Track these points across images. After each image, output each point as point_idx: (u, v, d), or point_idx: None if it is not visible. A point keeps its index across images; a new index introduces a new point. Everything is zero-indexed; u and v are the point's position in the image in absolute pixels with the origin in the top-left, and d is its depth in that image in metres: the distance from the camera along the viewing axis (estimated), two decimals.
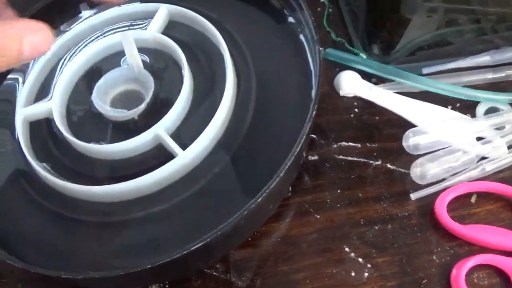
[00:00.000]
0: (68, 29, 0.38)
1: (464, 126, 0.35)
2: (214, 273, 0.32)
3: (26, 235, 0.32)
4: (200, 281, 0.32)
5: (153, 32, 0.35)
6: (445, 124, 0.35)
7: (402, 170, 0.35)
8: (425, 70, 0.37)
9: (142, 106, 0.33)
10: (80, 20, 0.38)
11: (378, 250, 0.32)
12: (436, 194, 0.33)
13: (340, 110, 0.38)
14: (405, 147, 0.34)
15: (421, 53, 0.38)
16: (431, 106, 0.37)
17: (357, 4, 0.39)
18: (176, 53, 0.34)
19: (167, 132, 0.32)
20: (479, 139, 0.35)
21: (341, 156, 0.36)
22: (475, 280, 0.31)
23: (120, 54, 0.35)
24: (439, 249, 0.32)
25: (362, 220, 0.33)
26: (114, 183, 0.30)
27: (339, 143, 0.36)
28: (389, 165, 0.35)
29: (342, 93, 0.38)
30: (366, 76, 0.38)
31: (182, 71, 0.33)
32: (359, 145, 0.36)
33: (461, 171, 0.34)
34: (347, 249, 0.33)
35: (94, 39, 0.37)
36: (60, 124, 0.33)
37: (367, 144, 0.36)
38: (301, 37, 0.35)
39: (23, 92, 0.35)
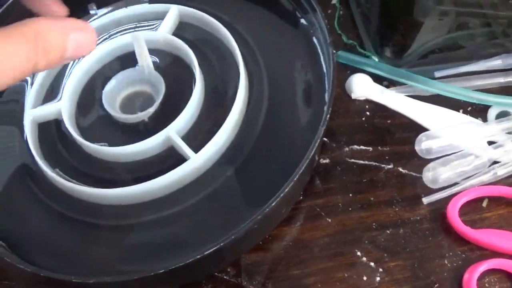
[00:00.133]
0: None
1: (475, 130, 0.35)
2: (225, 277, 0.32)
3: (33, 236, 0.32)
4: (211, 284, 0.32)
5: (163, 33, 0.35)
6: (456, 128, 0.35)
7: (414, 174, 0.35)
8: (438, 74, 0.37)
9: (153, 108, 0.33)
10: (89, 20, 0.38)
11: (390, 254, 0.32)
12: (448, 198, 0.33)
13: (352, 113, 0.37)
14: (417, 151, 0.34)
15: (432, 56, 0.37)
16: (442, 109, 0.37)
17: (369, 6, 0.39)
18: (187, 55, 0.34)
19: (178, 135, 0.31)
20: (490, 143, 0.35)
21: (352, 160, 0.36)
22: (487, 285, 0.31)
23: (131, 55, 0.35)
24: (451, 253, 0.32)
25: (374, 224, 0.33)
26: (124, 185, 0.30)
27: (351, 147, 0.36)
28: (401, 169, 0.35)
29: (353, 96, 0.38)
30: (377, 79, 0.38)
31: (193, 72, 0.33)
32: (370, 149, 0.36)
33: (473, 175, 0.34)
34: (359, 253, 0.32)
35: (103, 40, 0.37)
36: (69, 125, 0.33)
37: (379, 147, 0.36)
38: (314, 39, 0.35)
39: (32, 92, 0.35)
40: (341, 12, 0.42)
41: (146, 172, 0.31)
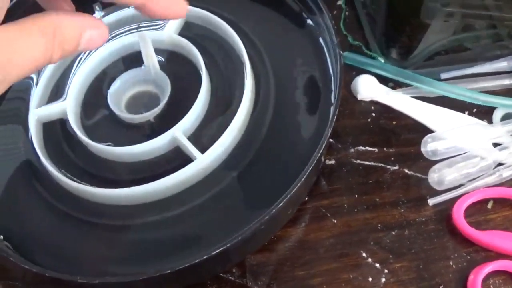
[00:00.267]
0: None
1: (481, 132, 0.35)
2: (230, 278, 0.32)
3: (38, 236, 0.31)
4: (216, 285, 0.32)
5: (169, 33, 0.35)
6: (462, 129, 0.35)
7: (419, 175, 0.35)
8: (443, 76, 0.37)
9: (158, 108, 0.33)
10: None
11: (395, 255, 0.32)
12: (453, 200, 0.33)
13: (357, 114, 0.37)
14: (423, 152, 0.34)
15: (438, 58, 0.37)
16: (448, 111, 0.37)
17: (375, 8, 0.39)
18: (193, 55, 0.34)
19: (185, 135, 0.31)
20: (496, 145, 0.35)
21: (358, 161, 0.36)
22: (491, 286, 0.31)
23: (136, 54, 0.35)
24: (456, 254, 0.32)
25: (379, 225, 0.33)
26: (129, 186, 0.30)
27: (356, 148, 0.36)
28: (406, 170, 0.35)
29: (359, 97, 0.38)
30: (383, 80, 0.38)
31: (200, 72, 0.33)
32: (376, 150, 0.36)
33: (478, 177, 0.34)
34: (364, 254, 0.32)
35: (108, 40, 0.37)
36: (75, 125, 0.32)
37: (384, 148, 0.36)
38: (320, 40, 0.35)
39: (37, 92, 0.35)
40: (347, 13, 0.42)
41: (152, 173, 0.31)
